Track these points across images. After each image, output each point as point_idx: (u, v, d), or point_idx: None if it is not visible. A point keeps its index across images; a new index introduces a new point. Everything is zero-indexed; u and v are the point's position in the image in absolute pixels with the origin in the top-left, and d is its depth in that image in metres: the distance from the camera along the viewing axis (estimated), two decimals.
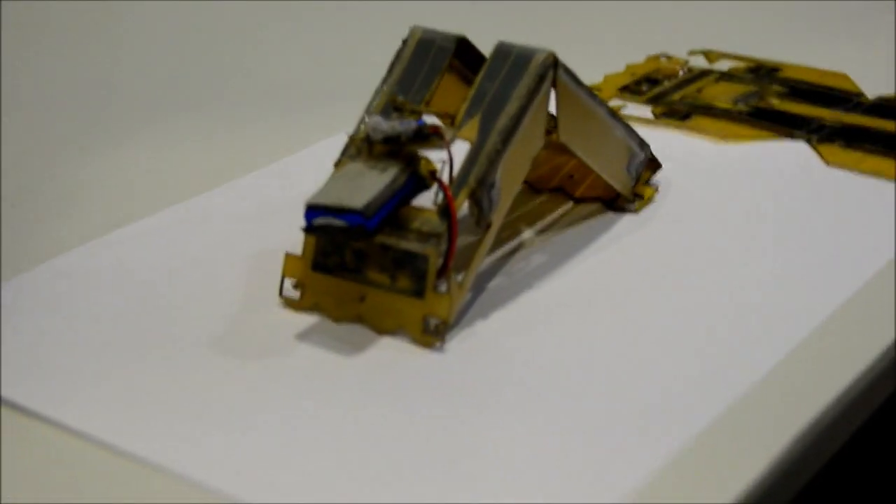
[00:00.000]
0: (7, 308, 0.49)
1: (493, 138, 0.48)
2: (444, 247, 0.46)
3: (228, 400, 0.44)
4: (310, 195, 0.46)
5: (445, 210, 0.47)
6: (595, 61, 0.70)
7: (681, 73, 0.68)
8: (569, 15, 0.79)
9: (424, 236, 0.47)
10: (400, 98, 0.49)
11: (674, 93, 0.66)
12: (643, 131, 0.62)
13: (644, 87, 0.67)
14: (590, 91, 0.52)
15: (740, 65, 0.70)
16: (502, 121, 0.48)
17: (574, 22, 0.78)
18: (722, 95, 0.66)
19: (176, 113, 0.69)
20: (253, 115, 0.68)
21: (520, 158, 0.49)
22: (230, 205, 0.58)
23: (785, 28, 0.76)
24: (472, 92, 0.49)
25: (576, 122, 0.51)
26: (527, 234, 0.54)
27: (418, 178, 0.47)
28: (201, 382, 0.45)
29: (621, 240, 0.53)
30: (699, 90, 0.67)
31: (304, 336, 0.48)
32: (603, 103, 0.53)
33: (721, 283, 0.51)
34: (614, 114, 0.53)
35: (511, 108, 0.48)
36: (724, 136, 0.62)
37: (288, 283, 0.49)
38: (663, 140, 0.62)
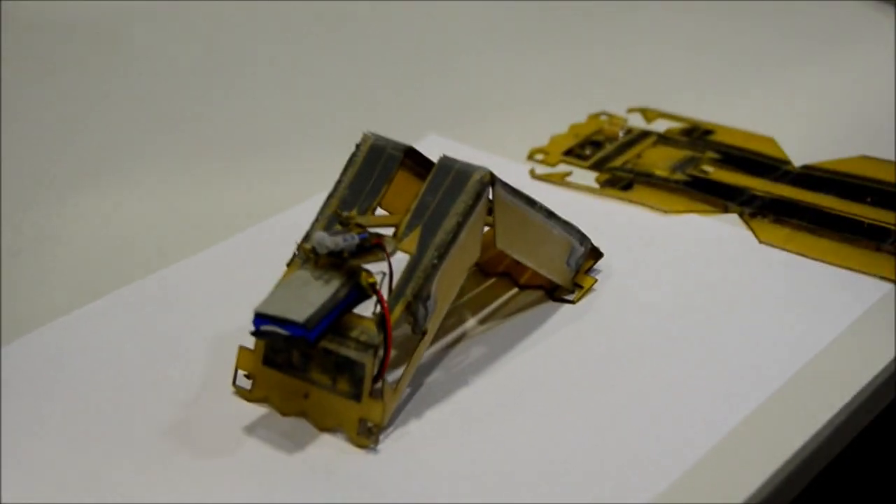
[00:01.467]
0: None
1: (431, 252, 0.52)
2: (380, 355, 0.51)
3: (164, 489, 0.49)
4: (260, 301, 0.51)
5: (382, 321, 0.51)
6: (542, 120, 0.74)
7: (620, 134, 0.72)
8: (513, 74, 0.82)
9: (363, 345, 0.51)
10: (345, 213, 0.53)
11: (615, 157, 0.70)
12: (588, 203, 0.66)
13: (588, 152, 0.70)
14: (527, 198, 0.55)
15: (676, 126, 0.73)
16: (440, 236, 0.52)
17: (520, 80, 0.81)
18: (660, 162, 0.69)
19: (143, 168, 0.72)
20: (234, 171, 0.71)
21: (455, 271, 0.53)
22: (202, 277, 0.61)
23: (717, 85, 0.79)
24: (414, 204, 0.53)
25: (513, 231, 0.55)
26: (470, 322, 0.58)
27: (359, 290, 0.51)
28: (142, 469, 0.50)
29: (558, 332, 0.57)
30: (639, 155, 0.70)
31: (250, 428, 0.52)
32: (542, 209, 0.56)
33: (654, 373, 0.54)
34: (552, 214, 0.57)
35: (449, 223, 0.52)
36: (664, 209, 0.66)
37: (241, 373, 0.54)
38: (607, 212, 0.66)
